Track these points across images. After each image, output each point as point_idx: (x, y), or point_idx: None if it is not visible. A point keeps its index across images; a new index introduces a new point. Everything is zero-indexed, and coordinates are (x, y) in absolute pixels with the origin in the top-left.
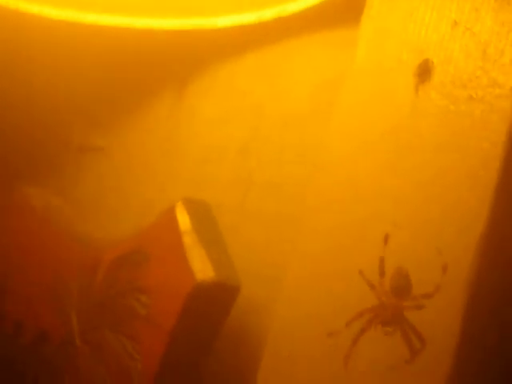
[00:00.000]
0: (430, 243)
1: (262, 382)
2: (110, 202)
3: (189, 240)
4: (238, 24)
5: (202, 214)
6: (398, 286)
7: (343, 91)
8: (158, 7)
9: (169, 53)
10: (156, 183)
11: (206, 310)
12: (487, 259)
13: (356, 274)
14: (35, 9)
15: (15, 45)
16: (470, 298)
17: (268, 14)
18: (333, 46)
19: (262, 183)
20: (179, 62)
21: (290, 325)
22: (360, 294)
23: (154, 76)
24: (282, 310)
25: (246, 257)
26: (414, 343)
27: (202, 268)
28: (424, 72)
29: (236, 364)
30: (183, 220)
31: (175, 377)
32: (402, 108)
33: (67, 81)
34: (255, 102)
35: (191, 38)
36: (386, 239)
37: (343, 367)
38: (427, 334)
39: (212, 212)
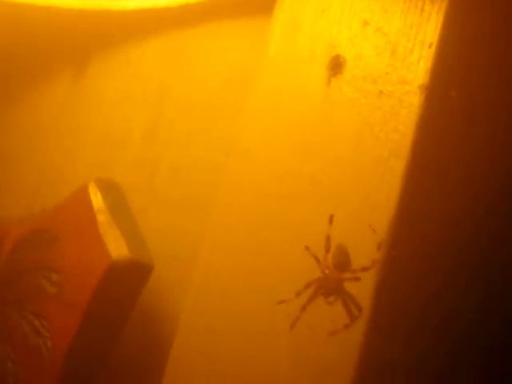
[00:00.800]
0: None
1: (176, 358)
2: (7, 181)
3: (103, 219)
4: (147, 7)
5: (114, 194)
6: (339, 261)
7: (256, 80)
8: None
9: (72, 32)
10: (53, 163)
11: (120, 288)
12: (403, 238)
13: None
14: None
15: None
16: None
17: None
18: (244, 35)
19: (168, 167)
20: (81, 42)
21: (205, 299)
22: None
23: (54, 54)
24: (197, 284)
25: (154, 239)
26: (353, 311)
27: (116, 247)
28: (336, 66)
29: (146, 344)
30: (96, 199)
31: (86, 355)
32: (314, 98)
33: None
34: (161, 86)
35: (97, 18)
36: (331, 219)
37: (288, 333)
38: (364, 303)
39: (123, 192)
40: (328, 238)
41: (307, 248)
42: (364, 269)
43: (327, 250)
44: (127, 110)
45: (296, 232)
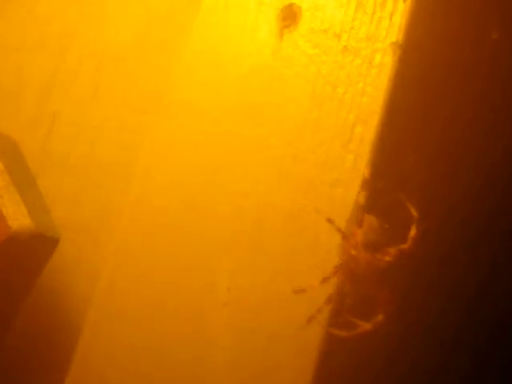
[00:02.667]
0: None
1: (86, 343)
2: None
3: (0, 182)
4: None
5: (12, 153)
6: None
7: (191, 30)
8: None
9: None
10: None
11: (20, 264)
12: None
13: None
14: None
15: None
16: None
17: None
18: None
19: (68, 124)
20: None
21: (122, 281)
22: None
23: None
24: (112, 264)
25: (56, 208)
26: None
27: (16, 215)
28: (289, 16)
29: (50, 325)
30: None
31: None
32: (262, 53)
33: None
34: (63, 30)
35: None
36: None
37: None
38: None
39: (21, 151)
40: (359, 209)
41: (330, 221)
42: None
43: (360, 225)
44: (21, 58)
45: (232, 204)
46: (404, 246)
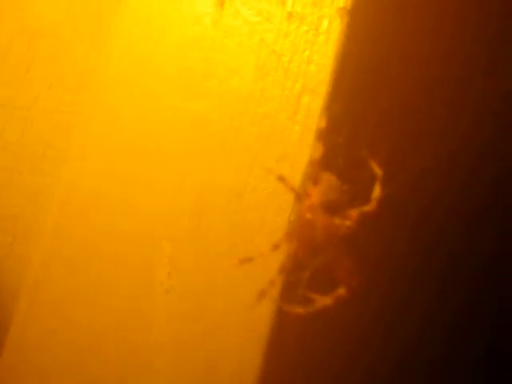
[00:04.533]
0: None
1: (16, 338)
2: None
3: None
4: None
5: None
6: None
7: (126, 1)
8: None
9: None
10: None
11: None
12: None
13: None
14: None
15: None
16: None
17: None
18: None
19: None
20: None
21: (55, 268)
22: None
23: None
24: (44, 251)
25: None
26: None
27: None
28: None
29: None
30: None
31: None
32: (201, 22)
33: None
34: None
35: None
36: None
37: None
38: None
39: None
40: (315, 165)
41: (281, 179)
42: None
43: (315, 183)
44: None
45: (172, 183)
46: (367, 208)
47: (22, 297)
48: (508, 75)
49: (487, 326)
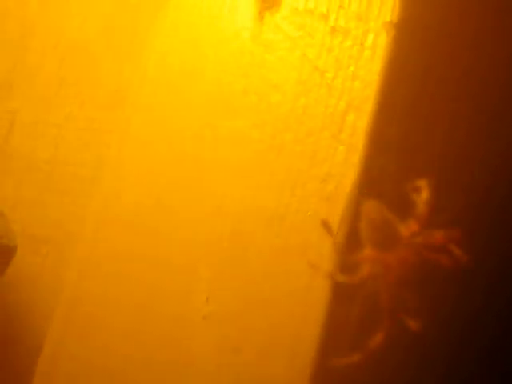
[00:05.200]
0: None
1: (47, 363)
2: None
3: None
4: None
5: None
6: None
7: (162, 17)
8: None
9: None
10: None
11: None
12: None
13: None
14: None
15: None
16: None
17: None
18: None
19: (29, 123)
20: None
21: (86, 290)
22: None
23: None
24: (76, 273)
25: (13, 215)
26: None
27: None
28: None
29: (8, 338)
30: None
31: None
32: (241, 38)
33: None
34: (21, 24)
35: None
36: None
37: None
38: None
39: None
40: None
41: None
42: None
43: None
44: None
45: (211, 206)
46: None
47: (54, 319)
48: None
49: None
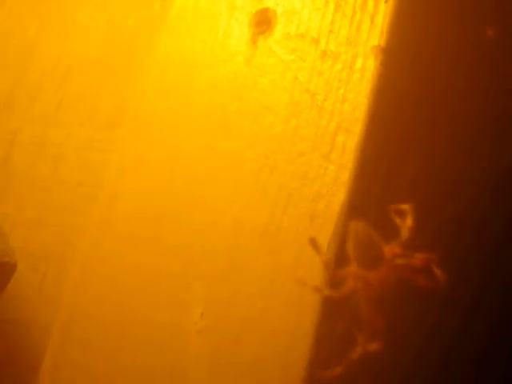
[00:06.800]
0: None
1: (50, 367)
2: None
3: None
4: None
5: None
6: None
7: (158, 40)
8: None
9: None
10: None
11: None
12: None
13: None
14: None
15: None
16: None
17: None
18: None
19: (30, 142)
20: None
21: (83, 306)
22: None
23: None
24: (72, 288)
25: (14, 232)
26: None
27: None
28: (263, 22)
29: (8, 355)
30: None
31: None
32: (234, 61)
33: None
34: (22, 44)
35: None
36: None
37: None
38: None
39: None
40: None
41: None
42: None
43: None
44: None
45: (206, 223)
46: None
47: (52, 336)
48: None
49: None
